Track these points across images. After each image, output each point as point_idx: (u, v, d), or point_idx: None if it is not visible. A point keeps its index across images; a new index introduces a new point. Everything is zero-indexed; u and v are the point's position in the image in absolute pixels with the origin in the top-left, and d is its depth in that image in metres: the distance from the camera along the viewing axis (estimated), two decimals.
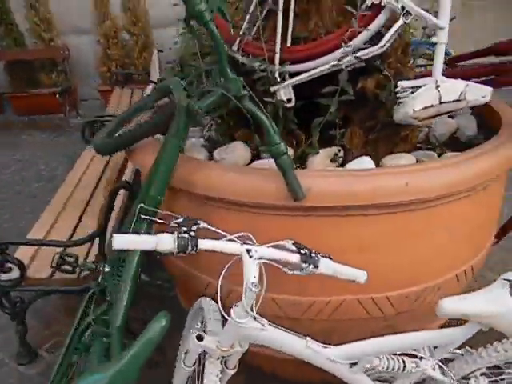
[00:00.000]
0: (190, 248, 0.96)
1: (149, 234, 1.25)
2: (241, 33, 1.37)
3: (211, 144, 1.62)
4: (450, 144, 1.66)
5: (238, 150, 1.46)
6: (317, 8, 1.40)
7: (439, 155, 1.50)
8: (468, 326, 1.11)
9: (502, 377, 1.25)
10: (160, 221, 1.11)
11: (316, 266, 1.03)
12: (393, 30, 1.22)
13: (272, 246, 1.04)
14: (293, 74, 1.38)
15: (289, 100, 1.35)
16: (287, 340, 1.09)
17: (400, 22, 1.22)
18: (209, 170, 1.27)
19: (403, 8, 1.20)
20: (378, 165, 1.42)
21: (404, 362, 1.21)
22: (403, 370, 1.20)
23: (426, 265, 1.35)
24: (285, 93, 1.32)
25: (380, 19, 1.26)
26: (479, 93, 1.23)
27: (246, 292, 0.97)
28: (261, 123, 1.10)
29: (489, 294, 1.05)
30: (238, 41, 1.38)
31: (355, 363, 1.19)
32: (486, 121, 1.67)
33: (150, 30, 5.48)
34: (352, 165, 1.36)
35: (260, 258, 1.00)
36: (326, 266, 1.05)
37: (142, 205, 1.22)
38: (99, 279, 1.47)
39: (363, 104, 1.46)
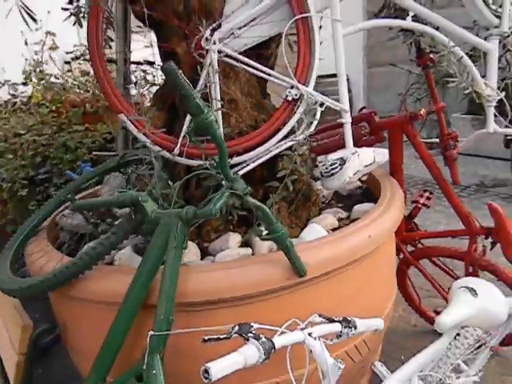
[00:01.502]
0: (272, 351, 0.94)
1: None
2: (180, 139, 1.41)
3: None
4: (336, 199, 2.01)
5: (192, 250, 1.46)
6: (235, 107, 1.56)
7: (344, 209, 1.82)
8: (448, 334, 1.39)
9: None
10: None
11: (356, 327, 1.14)
12: (316, 117, 1.48)
13: (311, 324, 1.11)
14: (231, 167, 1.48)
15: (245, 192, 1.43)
16: None
17: (319, 112, 1.49)
18: (211, 272, 1.24)
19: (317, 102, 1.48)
20: (304, 227, 1.63)
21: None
22: None
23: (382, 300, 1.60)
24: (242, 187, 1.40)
25: (299, 112, 1.50)
26: (382, 155, 1.59)
27: (329, 373, 1.00)
28: (264, 214, 1.17)
29: (460, 303, 1.35)
30: (178, 146, 1.41)
31: None
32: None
33: None
34: (305, 234, 1.52)
35: (319, 338, 1.05)
36: (360, 324, 1.17)
37: (152, 332, 1.10)
38: None
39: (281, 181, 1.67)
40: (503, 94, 1.66)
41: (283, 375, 1.18)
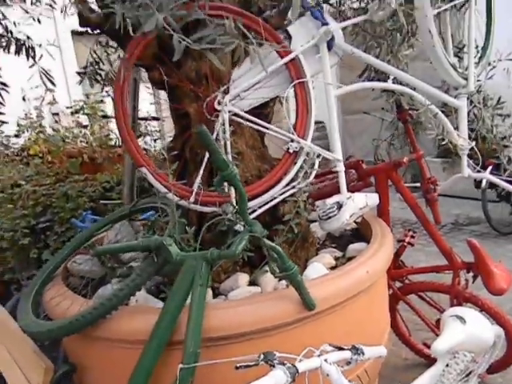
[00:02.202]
0: (296, 375, 1.07)
1: None
2: (195, 188, 1.56)
3: None
4: (329, 239, 2.18)
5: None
6: (241, 159, 1.73)
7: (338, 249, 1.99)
8: (441, 360, 1.53)
9: None
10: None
11: (363, 354, 1.28)
12: (315, 167, 1.67)
13: (323, 352, 1.24)
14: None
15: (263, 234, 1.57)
16: None
17: (317, 163, 1.68)
18: (228, 309, 1.36)
19: (314, 153, 1.68)
20: (305, 267, 1.78)
21: None
22: None
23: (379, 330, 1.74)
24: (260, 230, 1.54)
25: (299, 162, 1.69)
26: (374, 199, 1.78)
27: None
28: (279, 255, 1.32)
29: (452, 330, 1.50)
30: (193, 194, 1.56)
31: None
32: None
33: None
34: (309, 272, 1.67)
35: (333, 363, 1.18)
36: (367, 351, 1.30)
37: (182, 365, 1.20)
38: None
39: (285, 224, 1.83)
40: (473, 143, 1.89)
41: None
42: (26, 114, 3.50)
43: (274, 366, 1.08)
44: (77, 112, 3.39)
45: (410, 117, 2.01)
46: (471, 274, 2.08)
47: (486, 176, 1.97)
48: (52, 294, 1.67)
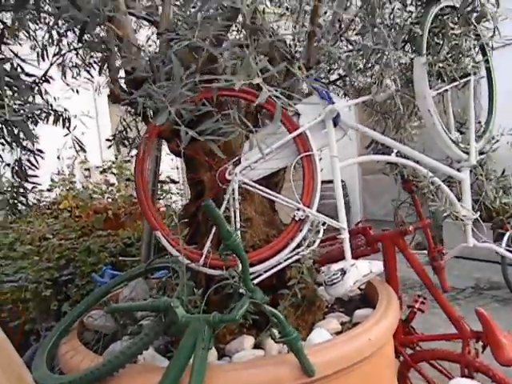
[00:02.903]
0: None
1: None
2: (205, 251, 1.67)
3: None
4: (338, 303, 2.22)
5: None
6: (250, 224, 1.84)
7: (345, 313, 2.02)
8: None
9: None
10: None
11: None
12: (319, 235, 1.75)
13: None
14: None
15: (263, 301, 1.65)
16: None
17: (322, 231, 1.76)
18: (228, 372, 1.42)
19: (319, 222, 1.77)
20: (311, 330, 1.82)
21: None
22: None
23: None
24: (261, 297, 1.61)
25: (304, 230, 1.78)
26: (378, 267, 1.83)
27: None
28: (279, 320, 1.39)
29: None
30: (203, 257, 1.67)
31: None
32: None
33: None
34: (313, 337, 1.71)
35: None
36: None
37: None
38: None
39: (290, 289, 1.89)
40: (477, 214, 1.95)
41: None
42: (58, 171, 3.75)
43: None
44: (105, 171, 3.63)
45: (416, 187, 2.09)
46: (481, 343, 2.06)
47: (491, 246, 2.00)
48: (67, 348, 1.75)
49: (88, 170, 4.46)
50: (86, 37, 1.73)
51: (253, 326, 1.81)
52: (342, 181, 7.87)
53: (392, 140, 1.89)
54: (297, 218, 1.77)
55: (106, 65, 1.50)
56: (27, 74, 1.17)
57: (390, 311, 1.81)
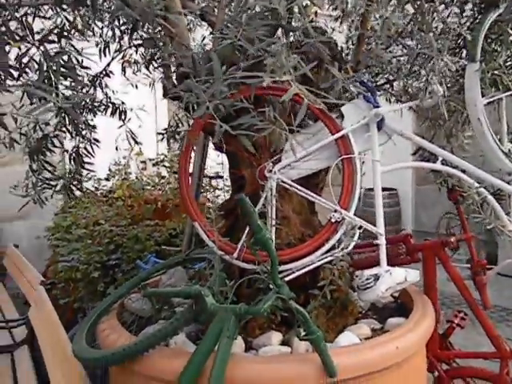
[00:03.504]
0: None
1: None
2: (239, 245, 1.72)
3: None
4: (372, 310, 2.19)
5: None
6: (287, 223, 1.87)
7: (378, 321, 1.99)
8: None
9: None
10: None
11: None
12: (355, 238, 1.75)
13: None
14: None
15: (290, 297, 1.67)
16: None
17: (357, 234, 1.76)
18: (252, 363, 1.45)
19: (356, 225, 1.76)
20: (339, 334, 1.81)
21: None
22: None
23: None
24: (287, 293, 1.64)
25: (340, 232, 1.78)
26: (414, 275, 1.80)
27: None
28: (304, 318, 1.41)
29: None
30: (237, 251, 1.71)
31: None
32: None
33: None
34: (340, 339, 1.70)
35: None
36: None
37: None
38: None
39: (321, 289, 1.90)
40: None
41: None
42: (115, 162, 3.96)
43: None
44: (158, 164, 3.79)
45: (461, 197, 2.02)
46: None
47: None
48: (105, 326, 1.86)
49: (144, 162, 4.66)
50: (142, 34, 1.83)
51: (282, 324, 1.83)
52: (394, 189, 7.76)
53: (438, 147, 1.84)
54: (333, 220, 1.78)
55: (157, 61, 1.58)
56: (82, 67, 1.28)
57: (423, 322, 1.77)
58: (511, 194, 1.85)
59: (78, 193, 2.27)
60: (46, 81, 1.10)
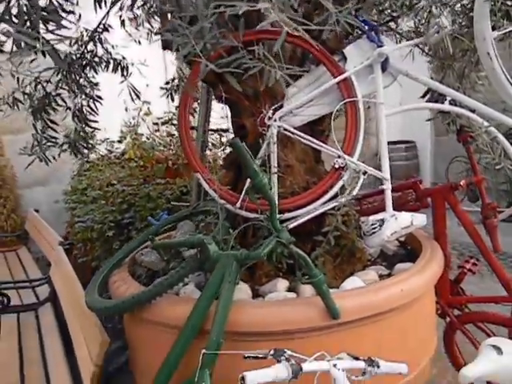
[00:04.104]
0: (300, 373, 1.15)
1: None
2: (242, 195, 1.71)
3: None
4: (381, 257, 2.18)
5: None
6: (290, 171, 1.84)
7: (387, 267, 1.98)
8: None
9: None
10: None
11: (378, 367, 1.30)
12: (359, 183, 1.72)
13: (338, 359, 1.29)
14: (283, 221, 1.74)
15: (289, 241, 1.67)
16: None
17: (361, 179, 1.73)
18: (256, 308, 1.48)
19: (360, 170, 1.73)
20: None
21: None
22: None
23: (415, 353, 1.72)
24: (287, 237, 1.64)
25: (344, 178, 1.75)
26: (420, 219, 1.77)
27: None
28: (305, 262, 1.41)
29: (486, 359, 1.45)
30: (240, 201, 1.71)
31: None
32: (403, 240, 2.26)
33: (17, 191, 5.32)
34: (345, 284, 1.71)
35: (343, 370, 1.23)
36: (384, 366, 1.32)
37: (204, 351, 1.34)
38: None
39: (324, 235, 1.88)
40: None
41: None
42: (125, 122, 3.96)
43: (280, 362, 1.17)
44: (166, 122, 3.77)
45: (471, 138, 1.95)
46: None
47: None
48: (116, 278, 1.92)
49: (157, 124, 4.65)
50: None
51: (289, 272, 1.85)
52: (413, 141, 7.57)
53: (446, 87, 1.76)
54: (337, 166, 1.75)
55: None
56: (64, 10, 1.24)
57: (430, 265, 1.76)
58: None
59: (86, 151, 2.28)
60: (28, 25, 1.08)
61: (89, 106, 2.10)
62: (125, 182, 3.34)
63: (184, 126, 1.72)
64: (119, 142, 4.35)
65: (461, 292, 2.26)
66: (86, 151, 2.30)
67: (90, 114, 2.13)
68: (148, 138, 3.88)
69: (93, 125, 2.17)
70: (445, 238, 2.09)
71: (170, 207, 2.94)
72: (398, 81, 1.81)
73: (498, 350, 1.47)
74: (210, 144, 3.27)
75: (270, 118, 1.71)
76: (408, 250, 2.17)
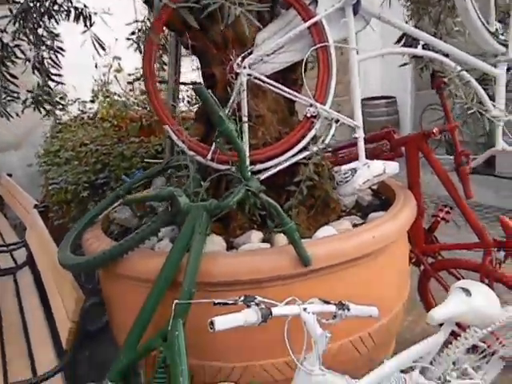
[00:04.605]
0: (269, 317, 1.15)
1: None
2: (213, 148, 1.67)
3: None
4: (356, 208, 2.19)
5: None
6: (262, 122, 1.80)
7: (361, 217, 1.99)
8: (444, 329, 1.52)
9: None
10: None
11: (349, 310, 1.32)
12: (331, 133, 1.69)
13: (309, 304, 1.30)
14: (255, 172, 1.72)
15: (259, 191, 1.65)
16: (337, 381, 1.32)
17: (333, 128, 1.70)
18: (228, 258, 1.47)
19: (333, 119, 1.70)
20: None
21: (405, 378, 1.55)
22: None
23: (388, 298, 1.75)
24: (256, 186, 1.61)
25: (316, 127, 1.72)
26: (393, 167, 1.76)
27: (318, 341, 1.19)
28: (275, 210, 1.40)
29: (455, 300, 1.48)
30: (210, 152, 1.67)
31: None
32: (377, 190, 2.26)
33: None
34: (318, 233, 1.71)
35: (313, 313, 1.25)
36: (355, 309, 1.34)
37: (177, 301, 1.34)
38: None
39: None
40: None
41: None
42: (95, 80, 3.82)
43: (250, 307, 1.17)
44: (138, 79, 3.65)
45: (444, 84, 1.92)
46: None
47: None
48: (89, 236, 1.89)
49: (131, 83, 4.50)
50: None
51: (263, 224, 1.84)
52: (393, 97, 7.51)
53: (419, 31, 1.72)
54: (308, 115, 1.71)
55: None
56: None
57: (402, 212, 1.77)
58: (496, 77, 1.75)
59: (50, 107, 2.19)
60: None
61: (50, 58, 1.99)
62: (98, 142, 3.25)
63: (149, 75, 1.65)
64: (92, 101, 4.21)
65: (435, 241, 2.30)
66: (49, 107, 2.20)
67: (53, 67, 2.02)
68: (120, 96, 3.76)
69: (57, 79, 2.07)
70: (418, 188, 2.10)
71: (145, 166, 2.88)
72: (372, 25, 1.75)
73: (467, 291, 1.51)
74: (183, 99, 3.19)
75: (239, 66, 1.65)
76: (383, 200, 2.18)
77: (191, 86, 2.80)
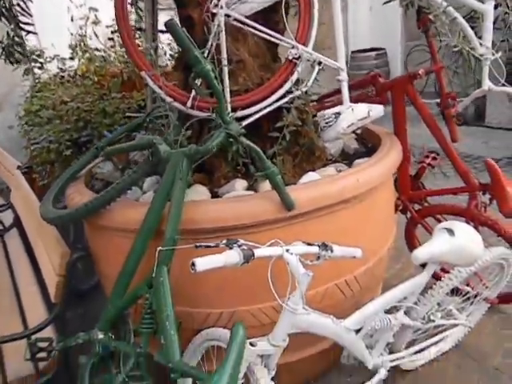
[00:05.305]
0: (251, 258, 1.15)
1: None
2: (192, 94, 1.61)
3: None
4: (342, 156, 2.17)
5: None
6: (243, 67, 1.74)
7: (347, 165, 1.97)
8: (428, 269, 1.54)
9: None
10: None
11: (332, 251, 1.33)
12: (313, 75, 1.64)
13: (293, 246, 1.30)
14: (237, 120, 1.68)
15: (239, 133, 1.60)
16: (321, 320, 1.34)
17: (316, 69, 1.65)
18: (211, 205, 1.46)
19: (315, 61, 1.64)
20: None
21: (389, 318, 1.58)
22: (389, 324, 1.57)
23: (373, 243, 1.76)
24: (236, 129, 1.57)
25: (298, 70, 1.66)
26: (377, 110, 1.73)
27: (300, 281, 1.20)
28: (257, 154, 1.37)
29: (438, 240, 1.49)
30: (190, 99, 1.62)
31: (359, 330, 1.51)
32: (363, 138, 2.23)
33: None
34: (302, 179, 1.69)
35: (296, 255, 1.25)
36: (338, 250, 1.35)
37: (160, 248, 1.33)
38: (96, 348, 1.47)
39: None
40: (499, 54, 1.74)
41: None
42: (71, 34, 3.67)
43: (232, 249, 1.17)
44: (116, 31, 3.51)
45: (430, 22, 1.86)
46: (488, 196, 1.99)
47: (509, 90, 1.81)
48: (72, 191, 1.86)
49: (112, 39, 4.33)
50: None
51: (248, 174, 1.81)
52: (383, 48, 7.35)
53: None
54: (290, 57, 1.65)
55: None
56: None
57: (388, 157, 1.75)
58: (484, 14, 1.69)
59: (21, 57, 2.09)
60: None
61: (18, 5, 1.89)
62: (79, 100, 3.15)
63: (123, 23, 1.57)
64: (71, 58, 4.07)
65: (421, 187, 2.30)
66: (20, 56, 2.10)
67: (22, 14, 1.92)
68: (99, 51, 3.62)
69: (27, 28, 1.97)
70: (404, 134, 2.07)
71: (128, 122, 2.82)
72: None
73: (451, 232, 1.52)
74: (165, 53, 3.08)
75: (216, 6, 1.57)
76: (369, 147, 2.15)
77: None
